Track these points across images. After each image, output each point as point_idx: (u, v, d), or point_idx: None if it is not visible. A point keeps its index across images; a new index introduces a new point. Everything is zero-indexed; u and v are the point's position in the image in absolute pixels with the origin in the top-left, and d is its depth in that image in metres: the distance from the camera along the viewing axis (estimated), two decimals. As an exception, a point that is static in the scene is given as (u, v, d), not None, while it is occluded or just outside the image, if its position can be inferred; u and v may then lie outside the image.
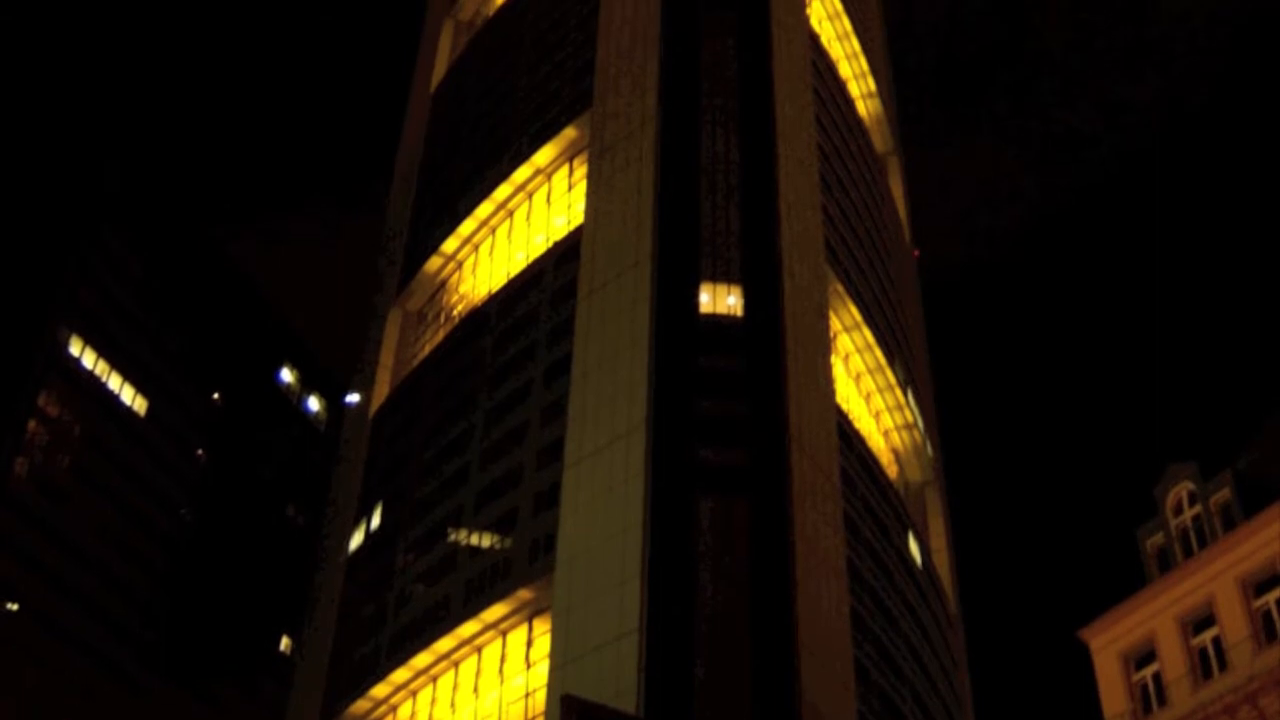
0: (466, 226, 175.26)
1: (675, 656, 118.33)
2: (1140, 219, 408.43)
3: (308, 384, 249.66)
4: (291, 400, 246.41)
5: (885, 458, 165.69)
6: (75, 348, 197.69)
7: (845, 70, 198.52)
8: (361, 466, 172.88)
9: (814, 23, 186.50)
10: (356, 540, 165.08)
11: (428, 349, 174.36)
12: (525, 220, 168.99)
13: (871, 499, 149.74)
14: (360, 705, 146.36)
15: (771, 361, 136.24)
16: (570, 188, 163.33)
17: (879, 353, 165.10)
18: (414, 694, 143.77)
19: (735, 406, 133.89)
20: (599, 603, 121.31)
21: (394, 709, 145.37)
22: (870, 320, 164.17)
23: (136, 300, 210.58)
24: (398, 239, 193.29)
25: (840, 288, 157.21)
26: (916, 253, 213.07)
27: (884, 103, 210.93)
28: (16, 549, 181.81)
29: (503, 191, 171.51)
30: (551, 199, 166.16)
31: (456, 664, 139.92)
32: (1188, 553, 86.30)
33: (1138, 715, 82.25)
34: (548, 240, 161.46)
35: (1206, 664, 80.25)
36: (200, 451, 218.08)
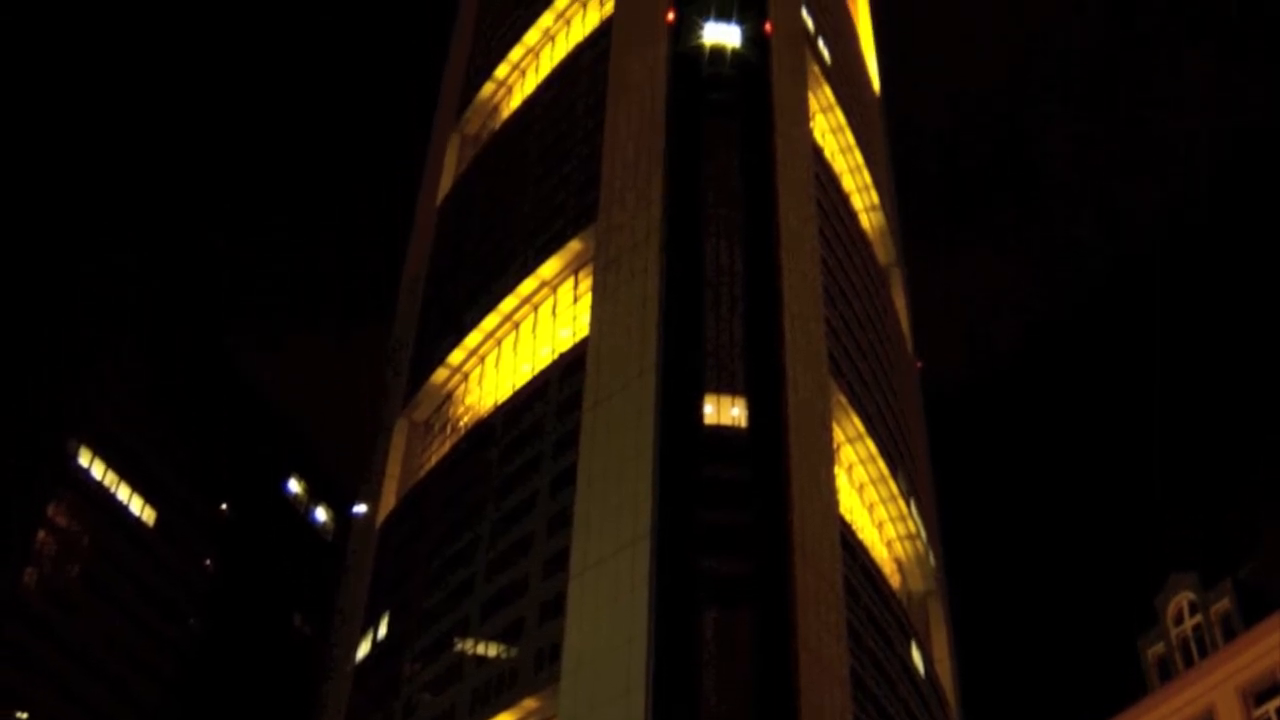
0: (473, 339, 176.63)
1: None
2: (1141, 328, 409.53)
3: (315, 494, 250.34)
4: (299, 510, 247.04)
5: (888, 567, 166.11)
6: (84, 458, 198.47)
7: (848, 183, 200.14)
8: (368, 576, 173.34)
9: (817, 136, 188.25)
10: (363, 649, 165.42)
11: (434, 460, 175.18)
12: (531, 332, 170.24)
13: (875, 608, 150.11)
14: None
15: (775, 472, 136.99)
16: (575, 300, 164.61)
17: (882, 463, 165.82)
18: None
19: (739, 517, 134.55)
20: (604, 712, 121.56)
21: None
22: (873, 431, 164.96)
23: (145, 411, 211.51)
24: (404, 351, 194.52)
25: (843, 399, 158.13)
26: (919, 364, 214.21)
27: (887, 215, 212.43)
28: (26, 658, 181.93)
29: (509, 304, 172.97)
30: (557, 311, 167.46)
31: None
32: (1188, 662, 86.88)
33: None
34: (553, 352, 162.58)
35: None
36: (208, 561, 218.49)
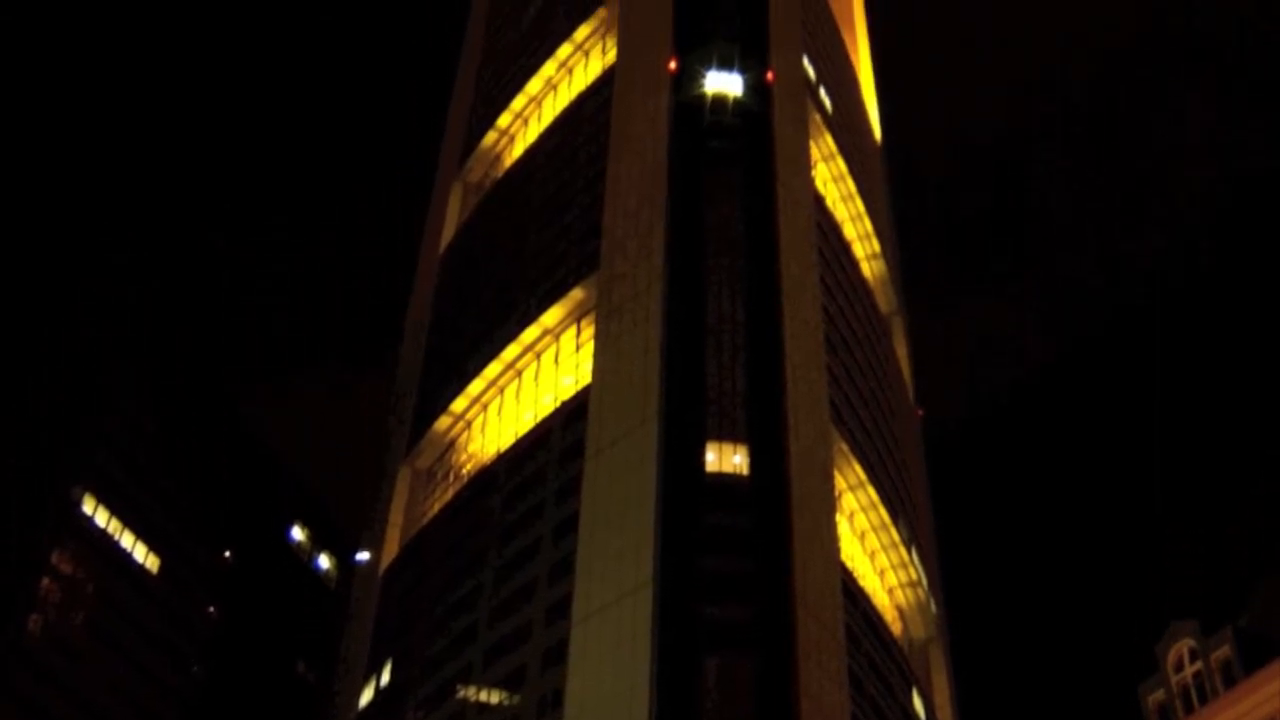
0: (475, 386, 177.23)
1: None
2: (1141, 374, 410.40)
3: (318, 542, 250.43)
4: (302, 558, 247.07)
5: (889, 614, 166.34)
6: (88, 506, 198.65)
7: (850, 232, 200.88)
8: (371, 623, 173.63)
9: (819, 184, 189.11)
10: (366, 697, 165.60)
11: (437, 507, 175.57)
12: (534, 380, 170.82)
13: (876, 655, 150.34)
14: None
15: (777, 520, 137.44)
16: (578, 348, 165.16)
17: (883, 511, 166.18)
18: None
19: (741, 564, 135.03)
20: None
21: None
22: (874, 479, 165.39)
23: (149, 458, 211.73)
24: (407, 398, 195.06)
25: (845, 446, 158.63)
26: (920, 411, 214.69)
27: (888, 263, 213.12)
28: (30, 706, 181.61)
29: (511, 352, 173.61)
30: (560, 359, 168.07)
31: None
32: (1189, 709, 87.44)
33: None
34: (556, 400, 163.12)
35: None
36: (212, 609, 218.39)
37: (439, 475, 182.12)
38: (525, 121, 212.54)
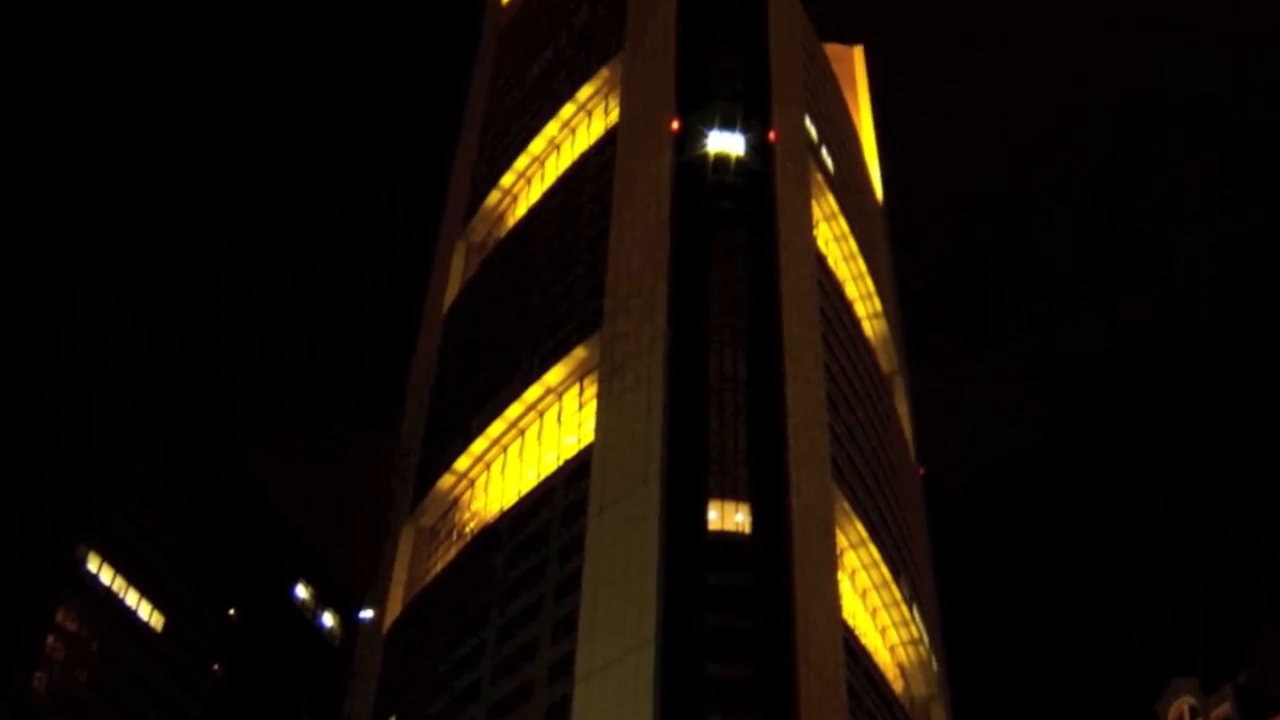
0: (479, 445, 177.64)
1: None
2: (1141, 434, 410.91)
3: (322, 600, 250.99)
4: (306, 616, 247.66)
5: (891, 672, 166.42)
6: (93, 564, 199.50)
7: (851, 290, 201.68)
8: (375, 681, 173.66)
9: (821, 243, 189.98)
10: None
11: (440, 565, 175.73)
12: (537, 439, 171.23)
13: (878, 713, 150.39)
14: None
15: (779, 578, 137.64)
16: (581, 406, 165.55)
17: (885, 569, 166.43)
18: None
19: (743, 622, 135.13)
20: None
21: None
22: (876, 537, 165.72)
23: (154, 517, 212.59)
24: (411, 457, 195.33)
25: (846, 505, 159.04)
26: (921, 469, 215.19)
27: (889, 322, 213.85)
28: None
29: (514, 410, 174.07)
30: (562, 418, 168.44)
31: None
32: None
33: None
34: (559, 458, 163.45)
35: None
36: (216, 667, 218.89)
37: (442, 533, 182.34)
38: (528, 181, 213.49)
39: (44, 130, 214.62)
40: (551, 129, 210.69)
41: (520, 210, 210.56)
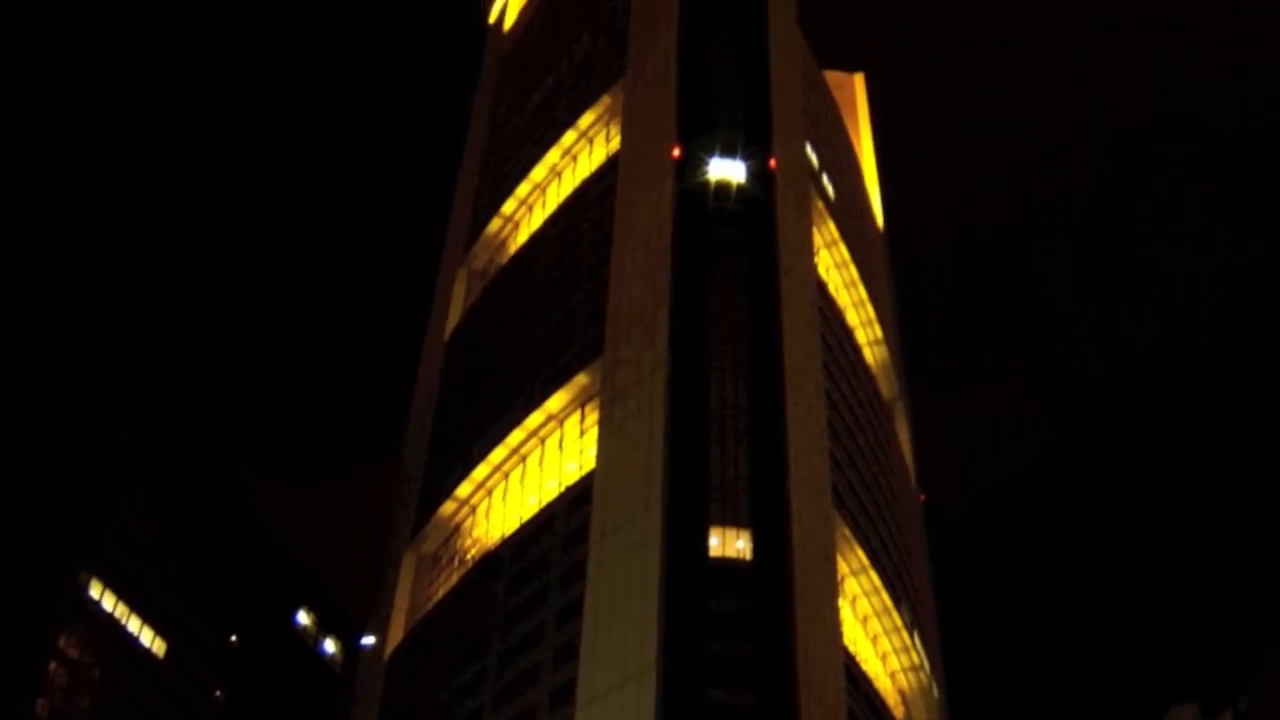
0: (480, 471, 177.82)
1: None
2: (1142, 458, 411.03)
3: (324, 626, 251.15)
4: (308, 642, 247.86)
5: (892, 699, 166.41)
6: (95, 590, 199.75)
7: (852, 318, 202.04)
8: (377, 708, 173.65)
9: (822, 270, 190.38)
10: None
11: (442, 592, 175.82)
12: (538, 465, 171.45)
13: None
14: None
15: (780, 604, 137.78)
16: (582, 433, 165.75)
17: (886, 595, 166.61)
18: None
19: (744, 648, 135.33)
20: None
21: None
22: (877, 563, 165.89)
23: (155, 543, 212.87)
24: (412, 483, 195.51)
25: (847, 531, 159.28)
26: (922, 496, 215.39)
27: (890, 349, 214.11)
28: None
29: (516, 437, 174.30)
30: (564, 444, 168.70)
31: None
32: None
33: None
34: (560, 485, 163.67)
35: None
36: (218, 693, 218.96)
37: (444, 560, 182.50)
38: (530, 208, 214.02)
39: (44, 130, 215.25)
40: (553, 156, 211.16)
41: (522, 237, 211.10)
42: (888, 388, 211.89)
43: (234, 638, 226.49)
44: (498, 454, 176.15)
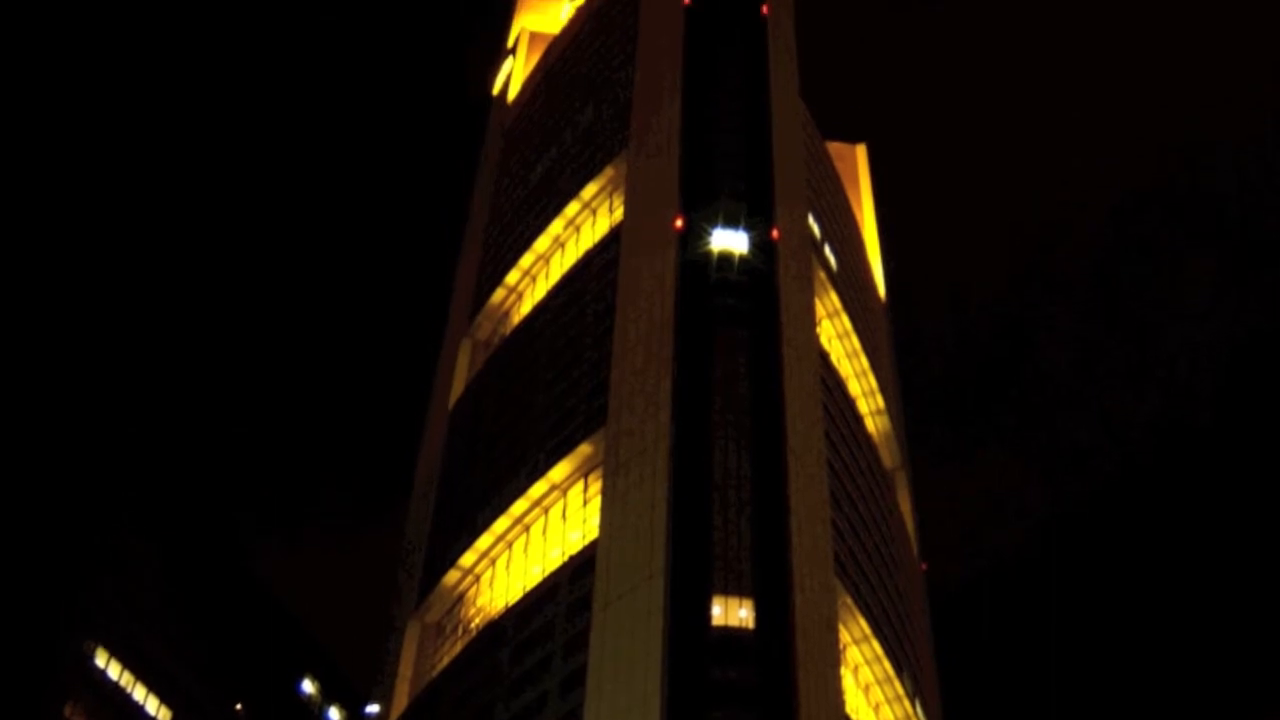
0: (484, 541, 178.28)
1: None
2: (1142, 529, 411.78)
3: (329, 695, 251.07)
4: (313, 711, 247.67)
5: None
6: (100, 659, 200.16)
7: (854, 388, 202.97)
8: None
9: (824, 341, 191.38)
10: None
11: (446, 660, 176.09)
12: (542, 535, 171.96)
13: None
14: None
15: (782, 674, 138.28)
16: (585, 503, 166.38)
17: (887, 664, 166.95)
18: None
19: (747, 717, 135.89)
20: None
21: None
22: (879, 632, 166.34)
23: (162, 612, 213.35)
24: (416, 552, 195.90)
25: (849, 600, 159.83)
26: (924, 565, 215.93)
27: (892, 419, 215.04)
28: None
29: (519, 507, 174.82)
30: (567, 514, 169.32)
31: None
32: None
33: None
34: (563, 554, 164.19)
35: None
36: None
37: (448, 629, 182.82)
38: (533, 279, 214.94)
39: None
40: (556, 226, 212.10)
41: (525, 307, 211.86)
42: (889, 457, 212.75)
43: (239, 706, 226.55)
44: (501, 523, 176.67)
